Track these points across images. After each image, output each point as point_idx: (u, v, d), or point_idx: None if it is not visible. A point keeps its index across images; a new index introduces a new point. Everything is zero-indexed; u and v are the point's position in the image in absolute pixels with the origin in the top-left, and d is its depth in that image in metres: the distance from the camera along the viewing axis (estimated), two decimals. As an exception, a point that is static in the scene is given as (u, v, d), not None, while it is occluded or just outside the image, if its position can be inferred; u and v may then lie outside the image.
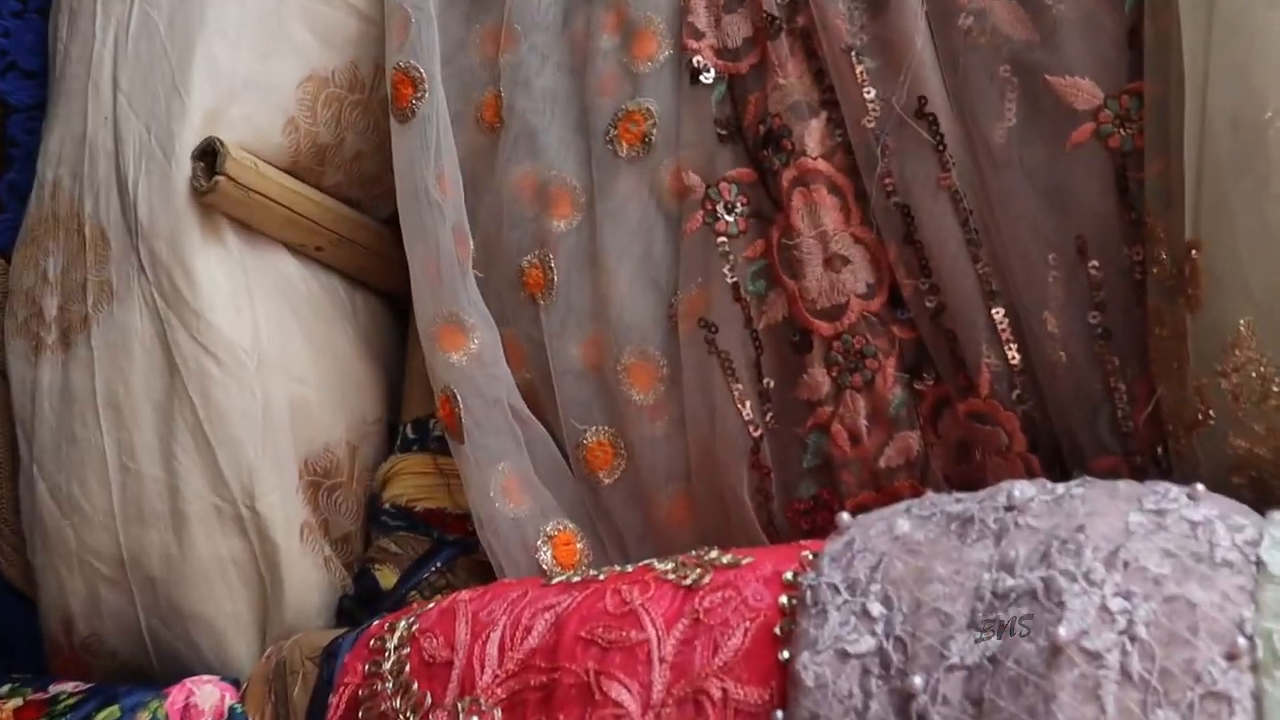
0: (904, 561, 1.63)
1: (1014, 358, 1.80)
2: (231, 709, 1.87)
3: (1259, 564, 1.54)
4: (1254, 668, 1.48)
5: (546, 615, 1.74)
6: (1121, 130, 1.73)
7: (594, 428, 1.94)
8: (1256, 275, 1.65)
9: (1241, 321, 1.66)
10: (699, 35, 1.88)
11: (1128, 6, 1.74)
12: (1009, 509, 1.64)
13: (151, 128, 1.98)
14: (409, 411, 2.09)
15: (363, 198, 2.11)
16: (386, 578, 2.01)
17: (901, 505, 1.71)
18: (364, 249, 2.11)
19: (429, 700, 1.75)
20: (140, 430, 1.96)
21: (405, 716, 1.75)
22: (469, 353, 1.95)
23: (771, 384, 1.87)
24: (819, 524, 1.86)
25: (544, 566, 1.92)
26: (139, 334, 1.97)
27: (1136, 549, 1.55)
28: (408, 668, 1.78)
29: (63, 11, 2.09)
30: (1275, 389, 1.65)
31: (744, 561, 1.72)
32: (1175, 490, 1.62)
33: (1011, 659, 1.53)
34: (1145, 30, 1.73)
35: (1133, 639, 1.50)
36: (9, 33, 2.10)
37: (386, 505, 2.04)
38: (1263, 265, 1.65)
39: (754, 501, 1.88)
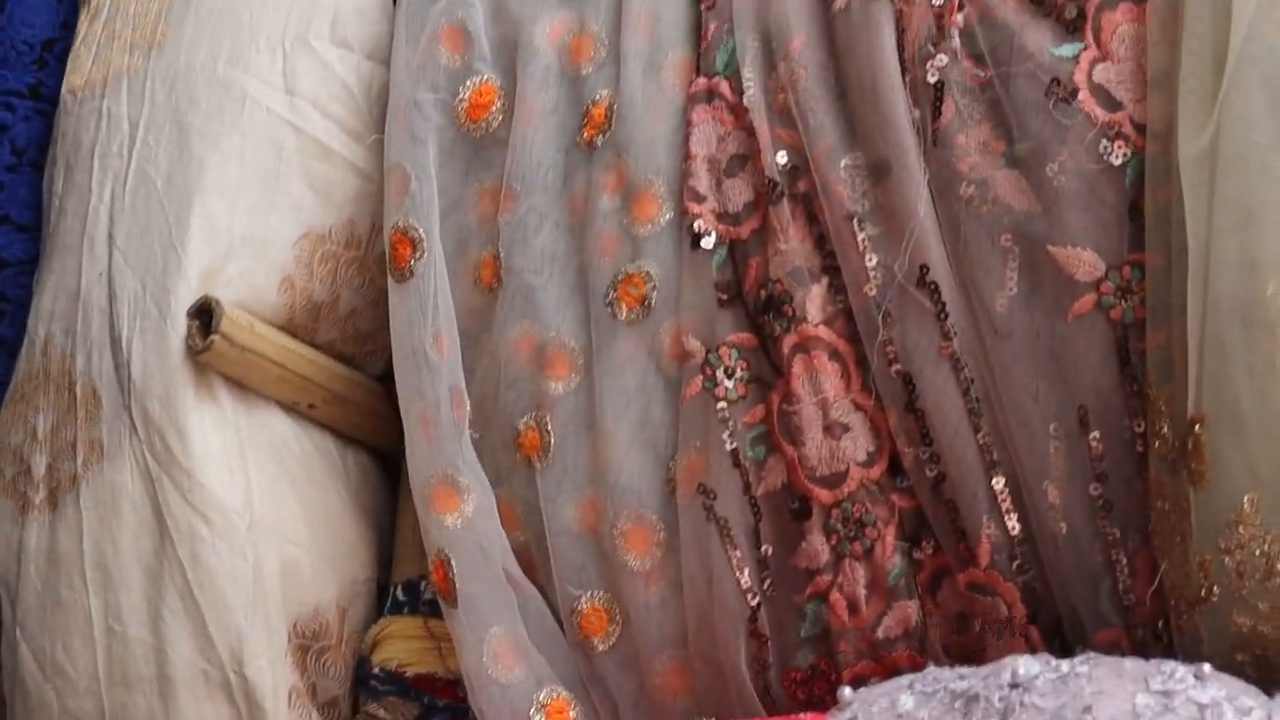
0: (908, 740, 1.61)
1: (1014, 528, 1.79)
2: None
3: (1268, 748, 1.52)
4: None
5: (541, 787, 1.72)
6: (1123, 302, 1.74)
7: (589, 592, 1.92)
8: (1261, 452, 1.64)
9: (1245, 498, 1.65)
10: (700, 199, 1.89)
11: (1128, 179, 1.75)
12: (1014, 686, 1.60)
13: (147, 285, 1.98)
14: (400, 572, 2.08)
15: (356, 354, 2.11)
16: (375, 744, 1.98)
17: (904, 680, 1.68)
18: (357, 406, 2.10)
19: None
20: (128, 592, 1.95)
21: None
22: (463, 515, 1.93)
23: (770, 551, 1.86)
24: (816, 694, 1.86)
25: (537, 735, 1.90)
26: (129, 494, 1.95)
27: (1145, 732, 1.53)
28: (398, 839, 1.75)
29: (58, 166, 2.10)
30: None
31: (743, 735, 1.69)
32: (1182, 670, 1.59)
33: (1020, 844, 1.52)
34: (1146, 203, 1.74)
35: (1142, 825, 1.47)
36: (3, 186, 2.10)
37: (376, 669, 2.02)
38: (1267, 441, 1.64)
39: (751, 670, 1.86)
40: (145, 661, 1.94)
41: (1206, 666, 1.58)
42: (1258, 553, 1.64)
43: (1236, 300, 1.65)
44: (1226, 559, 1.66)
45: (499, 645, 1.91)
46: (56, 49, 2.14)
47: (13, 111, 2.12)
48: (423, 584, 2.02)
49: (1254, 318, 1.65)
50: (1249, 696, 1.57)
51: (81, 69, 2.11)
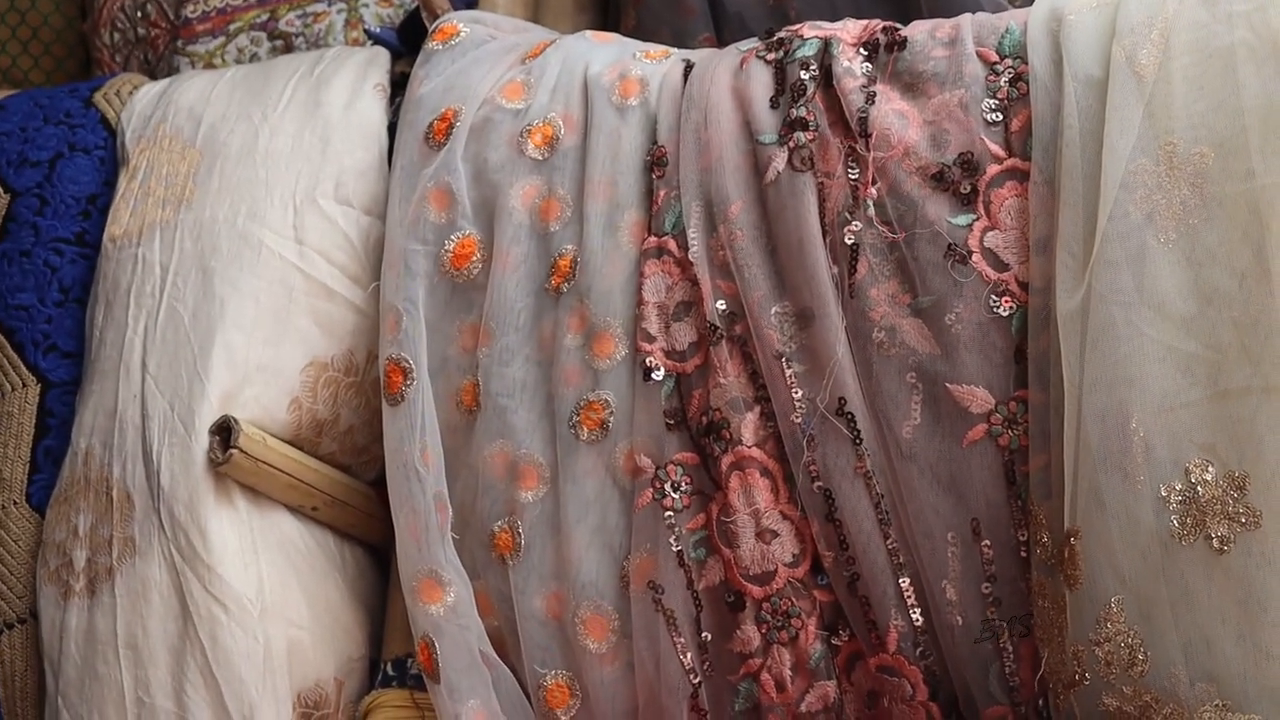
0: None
1: (918, 620, 1.68)
2: None
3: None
4: None
5: (515, 843, 1.64)
6: (1009, 431, 1.64)
7: (553, 671, 1.76)
8: (1125, 561, 1.55)
9: (1113, 599, 1.57)
10: (651, 339, 1.75)
11: (1014, 328, 1.65)
12: (923, 759, 1.59)
13: (175, 405, 1.82)
14: (389, 650, 1.89)
15: (353, 464, 1.94)
16: (367, 803, 1.88)
17: (828, 752, 1.65)
18: (353, 509, 1.92)
19: None
20: (156, 669, 1.76)
21: None
22: (445, 605, 1.76)
23: (709, 637, 1.72)
24: (750, 762, 1.79)
25: (508, 795, 1.81)
26: (158, 584, 1.77)
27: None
28: None
29: (99, 303, 1.94)
30: (1140, 658, 1.55)
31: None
32: (1066, 745, 1.57)
33: None
34: (1029, 347, 1.66)
35: None
36: (51, 319, 1.93)
37: (368, 734, 1.92)
38: (1130, 552, 1.55)
39: (693, 741, 1.79)
40: (170, 730, 1.86)
41: (1083, 742, 1.55)
42: (1123, 645, 1.55)
43: (1103, 427, 1.56)
44: (1097, 650, 1.58)
45: (475, 716, 1.74)
46: (99, 203, 1.98)
47: (61, 256, 1.96)
48: (409, 661, 1.84)
49: (1117, 444, 1.54)
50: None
51: (120, 220, 1.95)
